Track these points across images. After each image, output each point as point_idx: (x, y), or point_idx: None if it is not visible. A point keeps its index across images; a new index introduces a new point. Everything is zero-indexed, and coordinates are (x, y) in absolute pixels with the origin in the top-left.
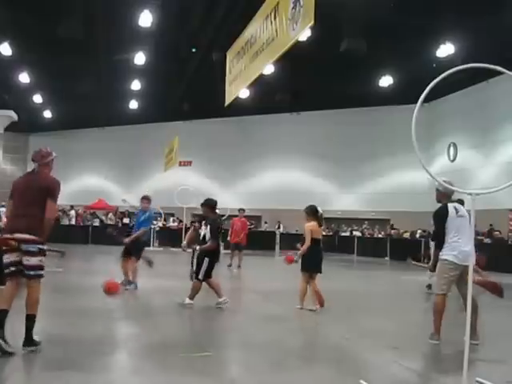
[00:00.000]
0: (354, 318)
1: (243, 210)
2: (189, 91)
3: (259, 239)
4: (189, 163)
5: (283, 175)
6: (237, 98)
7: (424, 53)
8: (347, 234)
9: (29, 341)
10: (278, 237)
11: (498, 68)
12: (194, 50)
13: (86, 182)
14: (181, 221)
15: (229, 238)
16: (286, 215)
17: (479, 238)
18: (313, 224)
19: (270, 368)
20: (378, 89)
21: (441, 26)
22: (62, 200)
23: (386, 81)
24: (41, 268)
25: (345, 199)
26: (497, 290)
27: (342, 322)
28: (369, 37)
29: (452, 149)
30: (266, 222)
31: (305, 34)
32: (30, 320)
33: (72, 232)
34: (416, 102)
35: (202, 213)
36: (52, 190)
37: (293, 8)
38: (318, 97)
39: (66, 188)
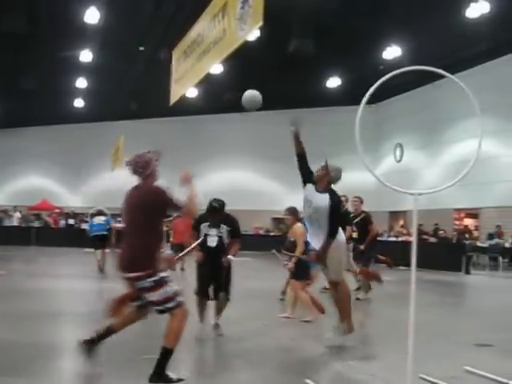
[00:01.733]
0: (297, 318)
1: None
2: (136, 90)
3: None
4: None
5: (232, 176)
6: (185, 98)
7: (371, 55)
8: None
9: (158, 376)
10: None
11: (439, 71)
12: (141, 49)
13: (31, 182)
14: None
15: (171, 239)
16: (236, 216)
17: (425, 237)
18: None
19: (215, 369)
20: (326, 90)
21: (388, 29)
22: (4, 200)
23: (333, 82)
24: (168, 300)
25: (293, 199)
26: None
27: (287, 323)
28: (317, 38)
29: (398, 150)
30: None
31: (253, 34)
32: (164, 354)
33: (14, 233)
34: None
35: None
36: (169, 204)
37: (241, 8)
38: (266, 97)
39: (9, 188)
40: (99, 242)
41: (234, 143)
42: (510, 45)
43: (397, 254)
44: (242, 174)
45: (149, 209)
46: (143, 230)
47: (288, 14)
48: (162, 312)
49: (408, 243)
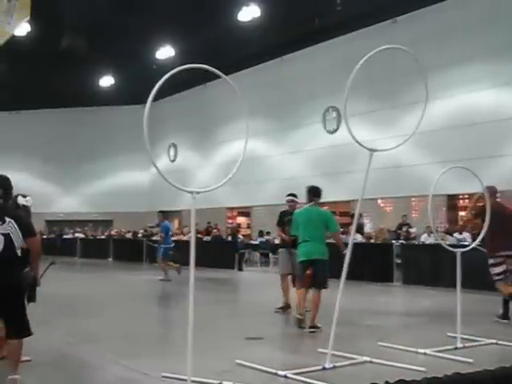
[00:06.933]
0: (75, 322)
1: None
2: None
3: None
4: None
5: None
6: None
7: (144, 54)
8: (70, 236)
9: None
10: None
11: (216, 71)
12: None
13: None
14: None
15: None
16: None
17: (199, 236)
18: None
19: None
20: (100, 89)
21: (161, 29)
22: None
23: (107, 81)
24: None
25: (67, 201)
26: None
27: (63, 326)
28: (90, 36)
29: (172, 149)
30: None
31: (23, 29)
32: None
33: None
34: (137, 103)
35: None
36: None
37: (8, 1)
38: (39, 95)
39: None
40: None
41: (3, 144)
42: (278, 49)
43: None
44: (13, 175)
45: None
46: None
47: (61, 10)
48: None
49: (182, 243)
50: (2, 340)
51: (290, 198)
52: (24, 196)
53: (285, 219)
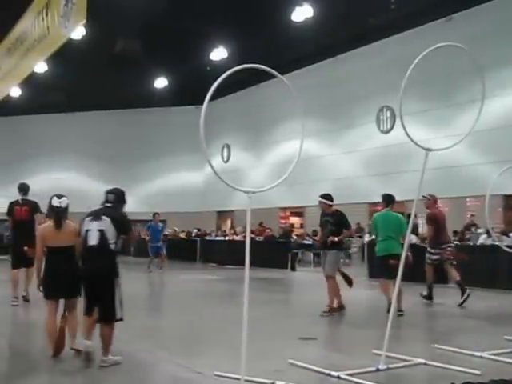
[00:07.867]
0: (130, 319)
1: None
2: None
3: None
4: None
5: (58, 177)
6: (8, 97)
7: (198, 56)
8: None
9: None
10: None
11: (273, 71)
12: None
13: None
14: None
15: None
16: None
17: (252, 235)
18: None
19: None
20: (154, 90)
21: (214, 30)
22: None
23: (161, 82)
24: None
25: None
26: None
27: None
28: (144, 38)
29: (226, 150)
30: None
31: (78, 32)
32: None
33: None
34: (190, 104)
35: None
36: None
37: (65, 5)
38: (93, 97)
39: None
40: None
41: (59, 144)
42: (331, 49)
43: (224, 253)
44: (68, 175)
45: None
46: None
47: (115, 13)
48: None
49: (235, 242)
50: (91, 325)
51: (318, 199)
52: (59, 197)
53: (322, 220)
